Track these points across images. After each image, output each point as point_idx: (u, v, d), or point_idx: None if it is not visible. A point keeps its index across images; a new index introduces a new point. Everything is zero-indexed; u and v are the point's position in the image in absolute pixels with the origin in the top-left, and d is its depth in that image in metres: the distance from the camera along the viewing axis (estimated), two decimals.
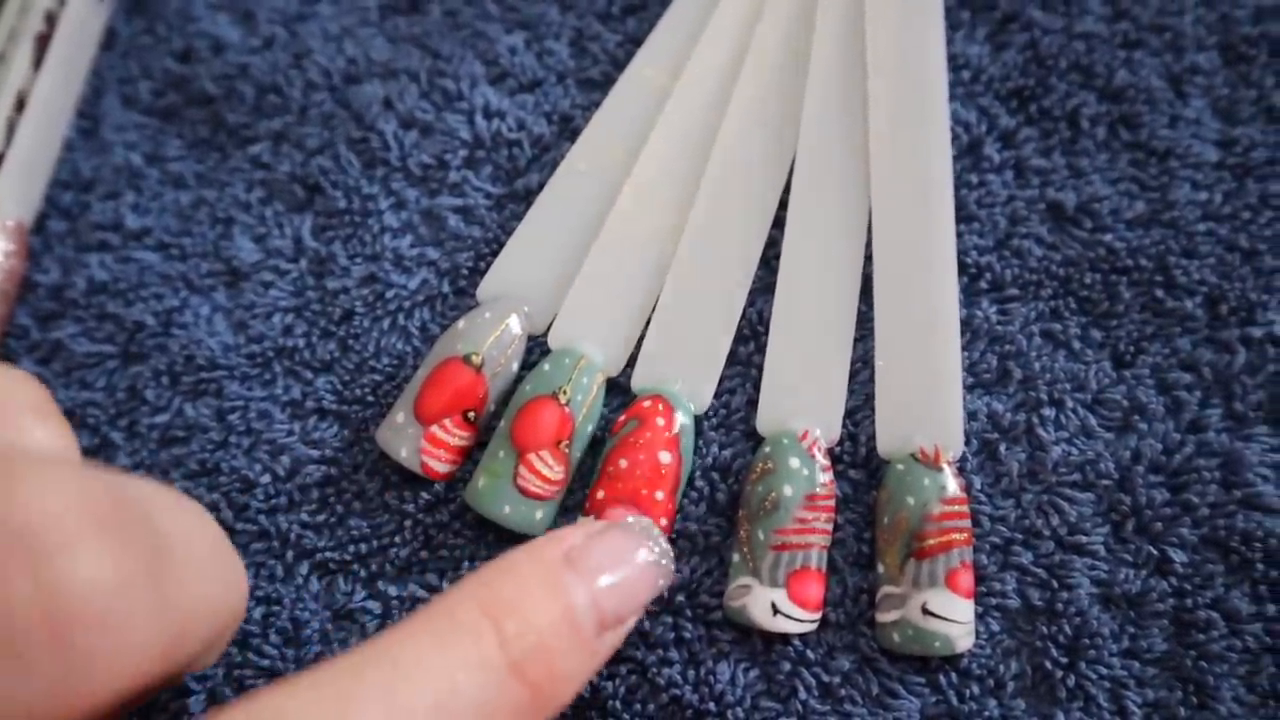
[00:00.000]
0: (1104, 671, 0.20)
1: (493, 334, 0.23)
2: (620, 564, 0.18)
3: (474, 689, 0.15)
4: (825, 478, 0.21)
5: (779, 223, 0.24)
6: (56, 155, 0.27)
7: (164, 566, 0.15)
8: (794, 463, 0.21)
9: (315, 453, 0.23)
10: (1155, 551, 0.21)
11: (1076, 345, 0.23)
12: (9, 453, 0.15)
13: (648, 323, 0.23)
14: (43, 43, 0.26)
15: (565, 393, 0.22)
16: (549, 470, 0.22)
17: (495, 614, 0.16)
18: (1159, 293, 0.23)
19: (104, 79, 0.27)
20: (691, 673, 0.21)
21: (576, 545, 0.18)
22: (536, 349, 0.24)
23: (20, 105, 0.25)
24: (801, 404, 0.22)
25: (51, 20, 0.26)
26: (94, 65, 0.28)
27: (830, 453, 0.22)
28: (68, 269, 0.25)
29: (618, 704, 0.21)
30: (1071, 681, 0.20)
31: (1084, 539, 0.21)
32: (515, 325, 0.23)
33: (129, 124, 0.27)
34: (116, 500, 0.14)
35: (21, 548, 0.13)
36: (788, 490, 0.21)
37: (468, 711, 0.15)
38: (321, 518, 0.22)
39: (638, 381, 0.23)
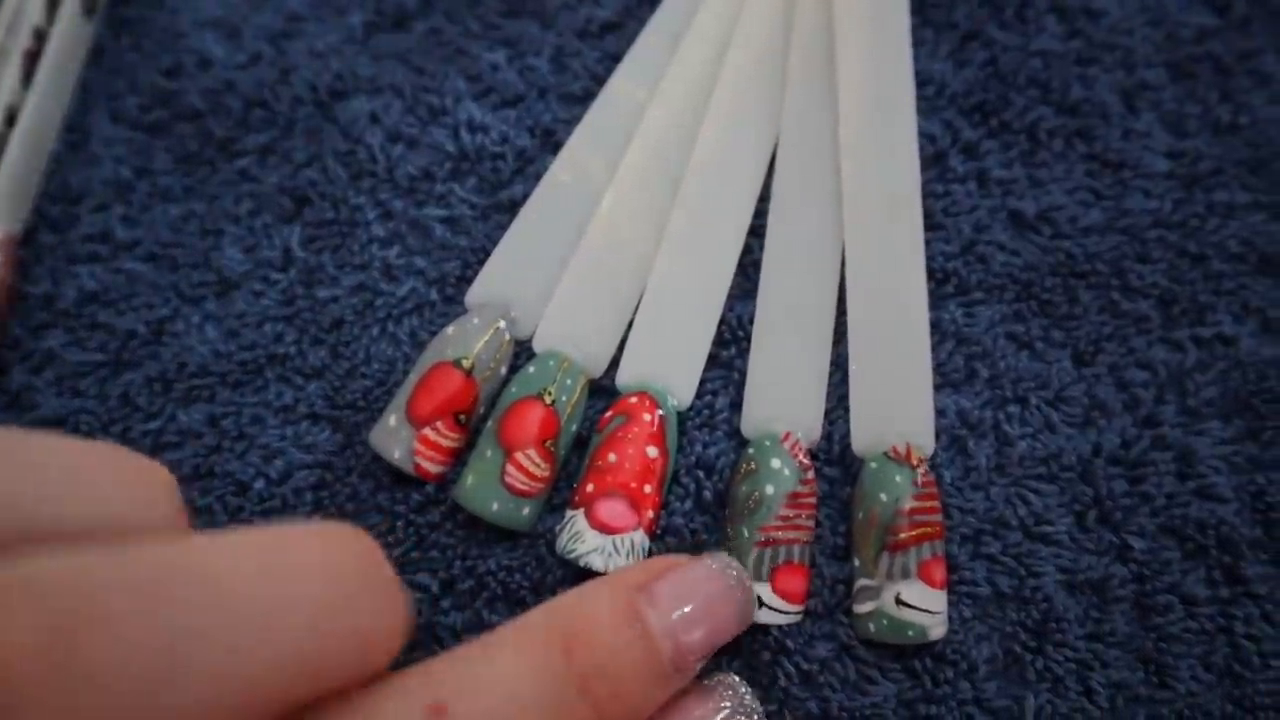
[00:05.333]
0: (1070, 654, 0.21)
1: (482, 339, 0.23)
2: (697, 593, 0.18)
3: (536, 697, 0.15)
4: (806, 476, 0.22)
5: (756, 231, 0.25)
6: (45, 169, 0.27)
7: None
8: (776, 463, 0.22)
9: (308, 457, 0.24)
10: (1116, 540, 0.22)
11: (1039, 345, 0.24)
12: None
13: (629, 325, 0.24)
14: (32, 59, 0.26)
15: (550, 394, 0.23)
16: (535, 468, 0.22)
17: (565, 630, 0.16)
18: (1115, 295, 0.24)
19: (91, 94, 0.28)
20: None
21: (653, 573, 0.18)
22: (523, 353, 0.24)
23: (10, 120, 0.26)
24: (783, 407, 0.23)
25: (40, 37, 0.27)
26: (81, 81, 0.28)
27: (810, 452, 0.23)
28: (58, 280, 0.26)
29: None
30: (1040, 664, 0.21)
31: (1049, 529, 0.22)
32: (503, 330, 0.24)
33: (117, 138, 0.27)
34: None
35: None
36: (770, 489, 0.22)
37: (527, 716, 0.15)
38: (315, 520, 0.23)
39: (622, 379, 0.24)
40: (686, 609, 0.18)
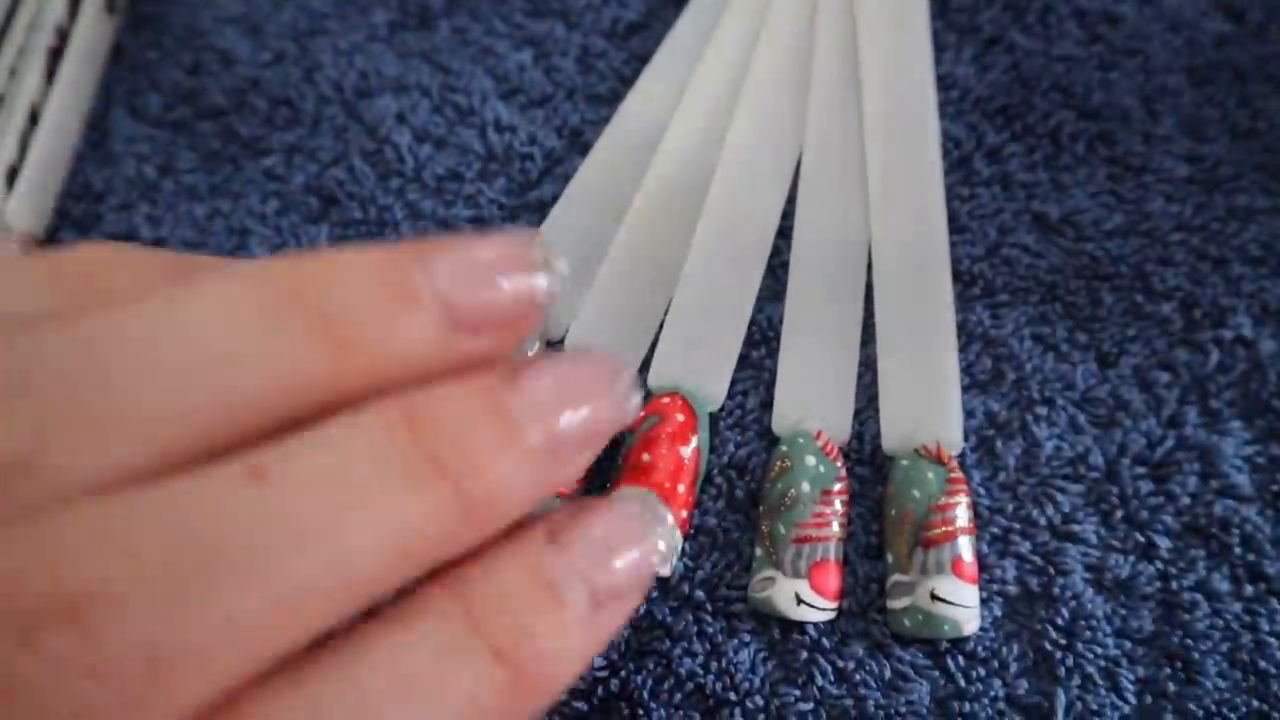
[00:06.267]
0: (1099, 651, 0.22)
1: None
2: (610, 533, 0.16)
3: (446, 674, 0.14)
4: (840, 473, 0.22)
5: (783, 233, 0.25)
6: (67, 167, 0.27)
7: None
8: (810, 460, 0.22)
9: None
10: (1142, 538, 0.23)
11: (1064, 347, 0.24)
12: None
13: (660, 326, 0.24)
14: (55, 57, 0.26)
15: None
16: None
17: (468, 598, 0.14)
18: (1138, 298, 0.25)
19: (112, 92, 0.28)
20: (714, 663, 0.22)
21: (560, 522, 0.16)
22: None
23: (34, 118, 0.26)
24: (814, 405, 0.23)
25: (63, 35, 0.26)
26: (103, 78, 0.28)
27: (840, 450, 0.23)
28: None
29: (645, 694, 0.22)
30: (1070, 661, 0.22)
31: (1076, 528, 0.23)
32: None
33: (139, 136, 0.27)
34: None
35: None
36: (805, 486, 0.22)
37: (444, 699, 0.14)
38: None
39: (655, 379, 0.24)
40: (598, 553, 0.16)
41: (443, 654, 0.14)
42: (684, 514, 0.22)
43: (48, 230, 0.26)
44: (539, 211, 0.26)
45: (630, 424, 0.23)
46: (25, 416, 0.12)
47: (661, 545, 0.17)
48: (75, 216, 0.26)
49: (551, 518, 0.16)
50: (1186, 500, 0.23)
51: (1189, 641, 0.22)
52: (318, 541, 0.13)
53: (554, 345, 0.24)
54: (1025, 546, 0.23)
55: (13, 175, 0.25)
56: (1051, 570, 0.22)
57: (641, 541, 0.17)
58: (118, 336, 0.13)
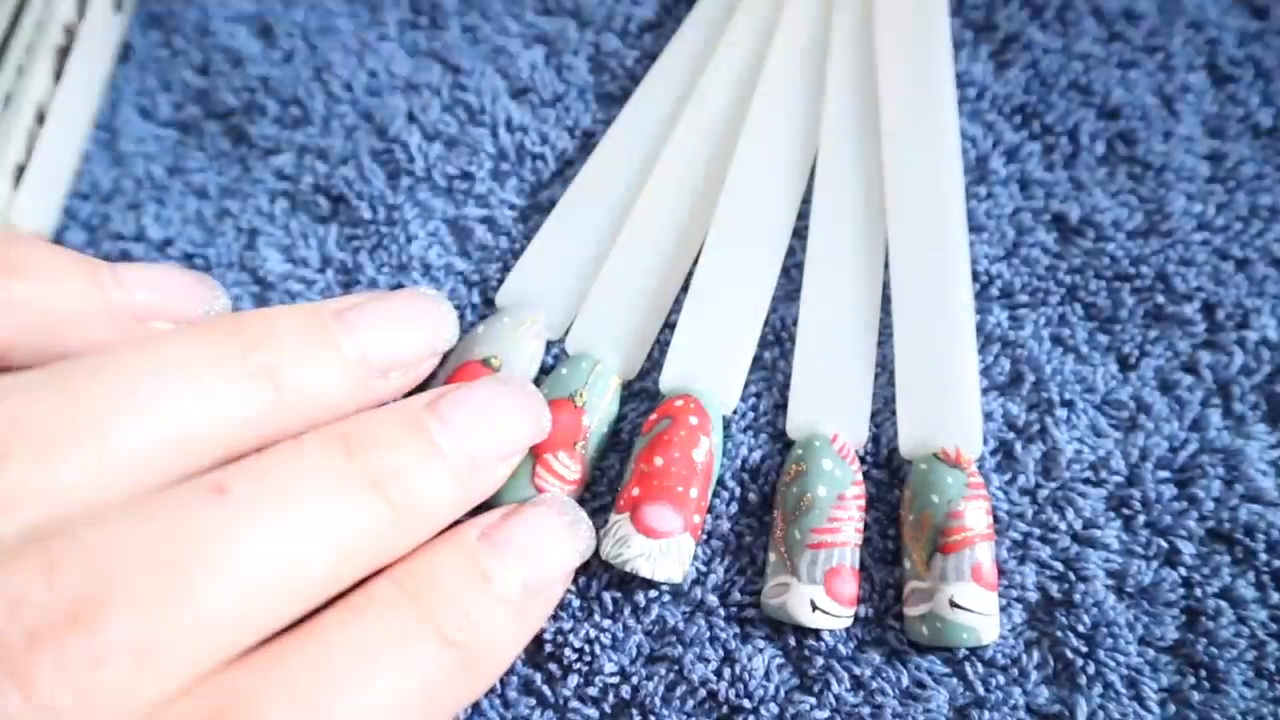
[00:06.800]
0: (1121, 659, 0.21)
1: (511, 338, 0.23)
2: (535, 531, 0.19)
3: (400, 655, 0.16)
4: (856, 477, 0.22)
5: (798, 233, 0.25)
6: (75, 167, 0.27)
7: None
8: (826, 464, 0.22)
9: None
10: (1165, 544, 0.22)
11: (1084, 349, 0.24)
12: None
13: (662, 328, 0.24)
14: (63, 55, 0.26)
15: (581, 396, 0.23)
16: (565, 470, 0.22)
17: (412, 588, 0.17)
18: (1159, 299, 0.24)
19: (120, 91, 0.28)
20: (727, 670, 0.21)
21: (491, 523, 0.19)
22: (553, 354, 0.24)
23: (41, 117, 0.25)
24: (830, 408, 0.23)
25: (71, 33, 0.26)
26: (110, 78, 0.28)
27: (856, 454, 0.23)
28: None
29: (656, 701, 0.21)
30: (1091, 669, 0.21)
31: (1098, 533, 0.22)
32: (533, 330, 0.23)
33: (148, 136, 0.27)
34: None
35: None
36: (821, 490, 0.21)
37: (397, 681, 0.16)
38: None
39: (667, 382, 0.23)
40: (525, 545, 0.19)
41: (396, 638, 0.16)
42: (696, 519, 0.22)
43: (55, 230, 0.26)
44: (550, 212, 0.25)
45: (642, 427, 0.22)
46: (25, 452, 0.14)
47: (580, 544, 0.20)
48: (83, 216, 0.26)
49: (482, 519, 0.19)
50: (1210, 505, 0.22)
51: (1213, 650, 0.21)
52: (273, 544, 0.15)
53: (552, 345, 0.24)
54: (1045, 552, 0.22)
55: (20, 174, 0.25)
56: (1072, 576, 0.22)
57: (563, 538, 0.20)
58: (101, 383, 0.16)
